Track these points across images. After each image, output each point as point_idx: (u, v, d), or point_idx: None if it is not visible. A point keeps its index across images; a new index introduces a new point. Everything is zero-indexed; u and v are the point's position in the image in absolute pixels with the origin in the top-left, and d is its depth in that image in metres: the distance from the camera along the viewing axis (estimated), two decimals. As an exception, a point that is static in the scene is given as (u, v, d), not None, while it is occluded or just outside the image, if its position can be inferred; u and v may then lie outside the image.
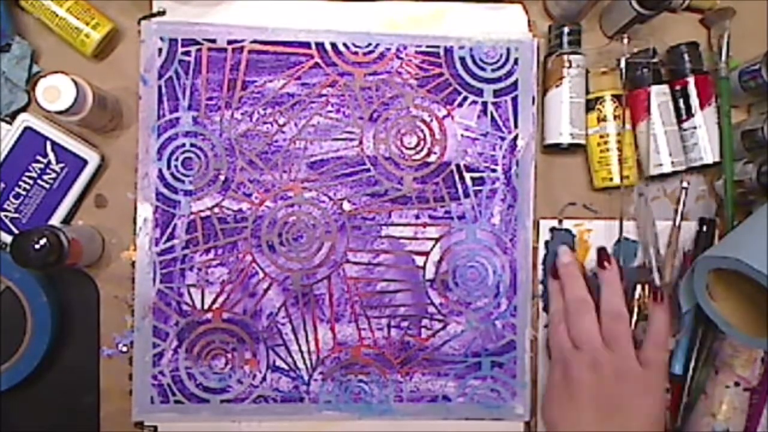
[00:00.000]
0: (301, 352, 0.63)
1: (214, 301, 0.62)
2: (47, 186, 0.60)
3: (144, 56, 0.62)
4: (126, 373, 0.62)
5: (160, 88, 0.62)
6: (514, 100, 0.64)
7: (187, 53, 0.62)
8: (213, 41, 0.62)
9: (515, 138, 0.64)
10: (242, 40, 0.62)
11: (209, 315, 0.62)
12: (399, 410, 0.63)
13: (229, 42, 0.62)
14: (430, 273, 0.64)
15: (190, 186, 0.62)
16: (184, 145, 0.62)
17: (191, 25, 0.62)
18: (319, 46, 0.63)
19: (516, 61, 0.64)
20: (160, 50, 0.62)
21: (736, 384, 0.62)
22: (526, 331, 0.64)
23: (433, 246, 0.64)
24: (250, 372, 0.63)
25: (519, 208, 0.64)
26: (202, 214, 0.62)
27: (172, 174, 0.62)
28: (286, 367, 0.63)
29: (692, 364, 0.64)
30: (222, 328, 0.63)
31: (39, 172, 0.60)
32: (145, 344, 0.62)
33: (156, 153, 0.62)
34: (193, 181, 0.62)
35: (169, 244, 0.62)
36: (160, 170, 0.62)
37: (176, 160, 0.62)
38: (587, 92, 0.64)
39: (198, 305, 0.62)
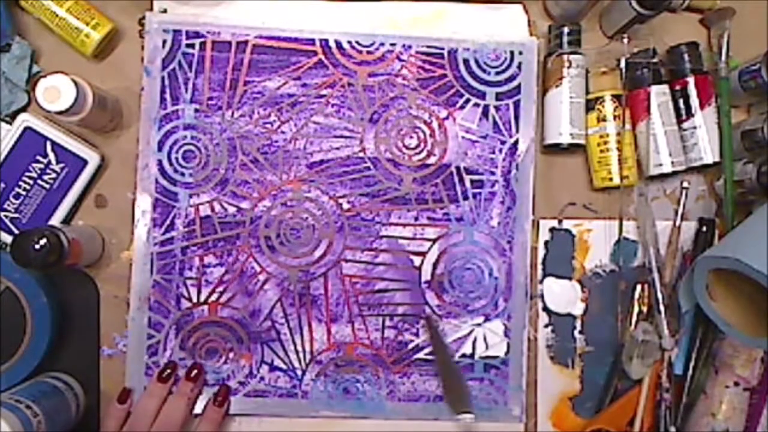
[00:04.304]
0: (296, 349, 0.63)
1: (210, 295, 0.63)
2: (47, 186, 0.60)
3: (147, 48, 0.62)
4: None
5: (163, 79, 0.62)
6: (516, 104, 0.64)
7: (191, 46, 0.62)
8: (217, 34, 0.62)
9: (516, 142, 0.64)
10: (246, 35, 0.63)
11: (205, 308, 0.62)
12: (391, 409, 0.63)
13: (233, 35, 0.62)
14: (427, 274, 0.64)
15: (189, 179, 0.62)
16: (185, 137, 0.62)
17: (195, 17, 0.62)
18: (323, 43, 0.63)
19: (519, 65, 0.64)
20: (164, 42, 0.62)
21: (736, 384, 0.62)
22: (522, 334, 0.64)
23: (431, 247, 0.64)
24: (243, 366, 0.63)
25: (517, 211, 0.64)
26: (201, 208, 0.62)
27: (172, 166, 0.62)
28: (279, 363, 0.63)
29: (692, 364, 0.64)
30: (217, 321, 0.62)
31: (39, 172, 0.60)
32: (140, 335, 0.62)
33: (157, 145, 0.62)
34: (192, 174, 0.62)
35: (167, 236, 0.62)
36: (160, 162, 0.62)
37: (177, 152, 0.62)
38: (587, 92, 0.64)
39: (194, 298, 0.62)
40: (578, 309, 0.65)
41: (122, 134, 0.63)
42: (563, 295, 0.65)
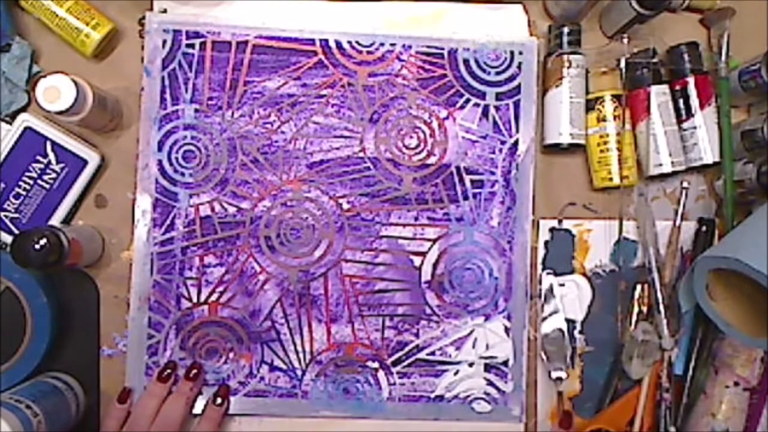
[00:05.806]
0: (296, 349, 0.63)
1: (210, 295, 0.63)
2: (47, 186, 0.60)
3: (147, 48, 0.62)
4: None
5: (163, 79, 0.62)
6: (516, 104, 0.64)
7: (191, 46, 0.62)
8: (217, 34, 0.62)
9: (516, 142, 0.64)
10: (246, 35, 0.63)
11: (205, 308, 0.62)
12: (391, 409, 0.63)
13: (233, 35, 0.62)
14: (427, 274, 0.64)
15: (189, 179, 0.62)
16: (185, 137, 0.62)
17: (195, 17, 0.62)
18: (323, 43, 0.63)
19: (519, 65, 0.64)
20: (164, 42, 0.62)
21: (736, 384, 0.62)
22: (523, 334, 0.64)
23: (431, 247, 0.64)
24: (243, 366, 0.63)
25: (517, 211, 0.64)
26: (201, 208, 0.62)
27: (172, 166, 0.62)
28: (279, 363, 0.63)
29: (692, 364, 0.64)
30: (217, 321, 0.63)
31: (39, 172, 0.60)
32: (140, 335, 0.62)
33: (157, 144, 0.62)
34: (192, 174, 0.62)
35: (167, 236, 0.62)
36: (160, 162, 0.62)
37: (177, 152, 0.62)
38: (587, 92, 0.64)
39: (194, 298, 0.62)
40: (581, 313, 0.65)
41: (122, 134, 0.63)
42: (569, 301, 0.65)
